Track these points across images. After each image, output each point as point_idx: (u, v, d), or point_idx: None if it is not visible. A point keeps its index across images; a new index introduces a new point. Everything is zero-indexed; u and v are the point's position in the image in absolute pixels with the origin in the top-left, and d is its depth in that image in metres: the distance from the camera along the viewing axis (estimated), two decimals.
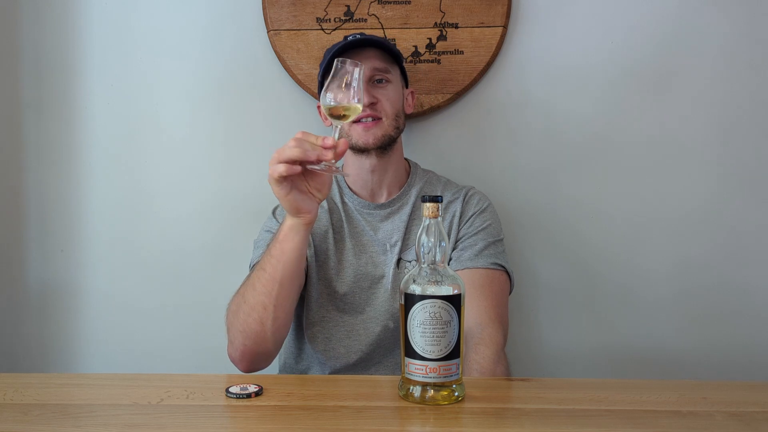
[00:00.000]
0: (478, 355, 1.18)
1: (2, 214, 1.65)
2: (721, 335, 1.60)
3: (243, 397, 0.95)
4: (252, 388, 0.97)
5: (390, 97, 1.36)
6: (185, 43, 1.62)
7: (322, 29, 1.57)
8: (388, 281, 1.34)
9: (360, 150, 1.35)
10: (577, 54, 1.58)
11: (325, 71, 1.26)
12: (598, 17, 1.58)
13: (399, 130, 1.38)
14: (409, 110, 1.46)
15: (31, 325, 1.66)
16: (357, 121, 1.33)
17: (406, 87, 1.46)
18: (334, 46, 1.38)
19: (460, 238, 1.35)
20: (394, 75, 1.39)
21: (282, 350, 1.44)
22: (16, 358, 1.66)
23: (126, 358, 1.65)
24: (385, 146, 1.36)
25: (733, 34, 1.57)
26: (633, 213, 1.60)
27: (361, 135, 1.33)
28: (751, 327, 1.60)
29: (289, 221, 1.13)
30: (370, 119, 1.33)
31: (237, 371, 1.31)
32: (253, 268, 1.23)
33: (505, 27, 1.57)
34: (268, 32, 1.59)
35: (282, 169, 1.05)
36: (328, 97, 1.05)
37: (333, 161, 1.05)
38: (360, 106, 1.06)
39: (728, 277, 1.60)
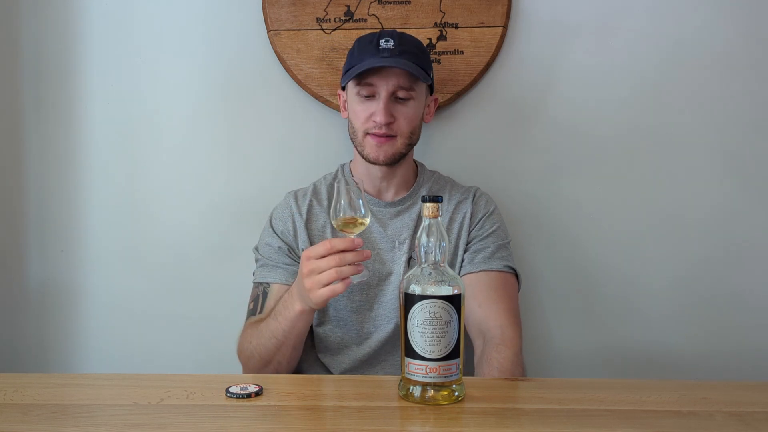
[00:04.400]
0: (500, 355, 1.20)
1: (2, 214, 1.65)
2: (722, 335, 1.60)
3: (243, 397, 0.95)
4: (252, 388, 0.97)
5: (409, 115, 1.33)
6: (185, 43, 1.62)
7: (322, 29, 1.57)
8: (398, 279, 1.35)
9: (369, 161, 1.35)
10: (577, 54, 1.58)
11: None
12: (598, 17, 1.58)
13: (411, 146, 1.37)
14: (429, 119, 1.43)
15: (31, 325, 1.66)
16: (372, 134, 1.33)
17: (432, 93, 1.43)
18: (366, 42, 1.34)
19: (472, 240, 1.36)
20: (419, 90, 1.35)
21: None
22: (16, 358, 1.66)
23: (126, 358, 1.65)
24: (395, 162, 1.36)
25: (734, 35, 1.57)
26: (634, 213, 1.60)
27: (372, 149, 1.33)
28: (751, 327, 1.60)
29: (301, 306, 1.16)
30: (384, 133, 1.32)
31: (237, 371, 1.32)
32: (262, 320, 1.26)
33: (505, 27, 1.57)
34: (268, 32, 1.59)
35: (328, 294, 1.09)
36: (339, 210, 1.10)
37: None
38: (367, 220, 1.11)
39: (728, 276, 1.60)
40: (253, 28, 1.60)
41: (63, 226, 1.64)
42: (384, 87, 1.31)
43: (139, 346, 1.65)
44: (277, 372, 1.24)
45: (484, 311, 1.28)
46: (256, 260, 1.38)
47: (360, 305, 1.35)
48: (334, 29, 1.57)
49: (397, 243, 1.36)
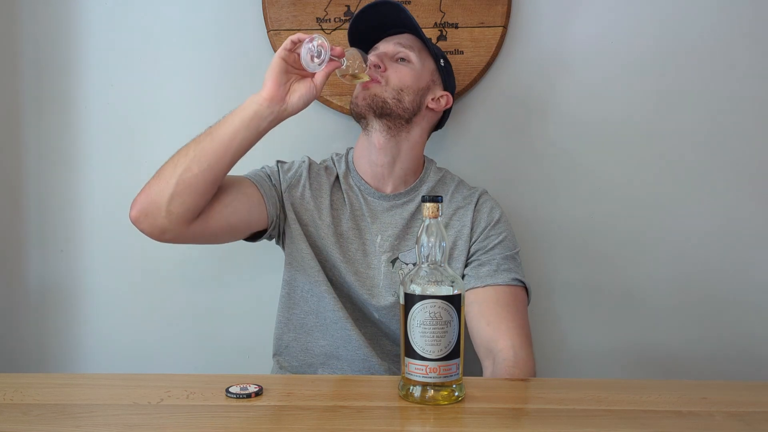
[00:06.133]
0: (507, 361, 1.16)
1: (2, 214, 1.65)
2: (722, 336, 1.60)
3: (243, 397, 0.95)
4: (252, 388, 0.98)
5: (401, 71, 1.32)
6: (185, 43, 1.62)
7: (322, 29, 1.57)
8: (377, 275, 1.32)
9: (356, 115, 1.34)
10: (578, 54, 1.58)
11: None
12: (599, 17, 1.58)
13: (401, 106, 1.31)
14: (434, 106, 1.37)
15: (31, 325, 1.66)
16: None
17: (445, 89, 1.39)
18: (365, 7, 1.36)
19: (475, 252, 1.31)
20: (419, 60, 1.34)
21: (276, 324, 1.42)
22: (16, 358, 1.66)
23: (126, 358, 1.65)
24: (380, 113, 1.30)
25: (735, 34, 1.57)
26: (635, 214, 1.60)
27: (355, 97, 1.33)
28: (751, 327, 1.60)
29: (249, 98, 1.17)
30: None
31: (237, 371, 1.32)
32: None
33: (505, 27, 1.57)
34: (268, 32, 1.59)
35: (296, 36, 1.14)
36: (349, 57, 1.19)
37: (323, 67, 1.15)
38: (363, 75, 1.20)
39: (729, 277, 1.60)
40: (253, 28, 1.60)
41: (63, 226, 1.64)
42: (384, 46, 1.36)
43: (139, 346, 1.65)
44: (168, 181, 1.16)
45: (493, 330, 1.20)
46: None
47: (342, 283, 1.33)
48: (334, 29, 1.57)
49: (379, 238, 1.33)
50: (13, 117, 1.64)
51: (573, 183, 1.60)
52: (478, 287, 1.25)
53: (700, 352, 1.60)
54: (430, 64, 1.37)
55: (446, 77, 1.41)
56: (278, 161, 1.40)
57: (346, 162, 1.41)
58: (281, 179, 1.35)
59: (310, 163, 1.40)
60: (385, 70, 1.31)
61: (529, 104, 1.60)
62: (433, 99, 1.37)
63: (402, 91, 1.31)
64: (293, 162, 1.40)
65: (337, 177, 1.39)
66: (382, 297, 1.32)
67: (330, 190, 1.36)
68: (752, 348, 1.59)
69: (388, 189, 1.37)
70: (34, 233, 1.65)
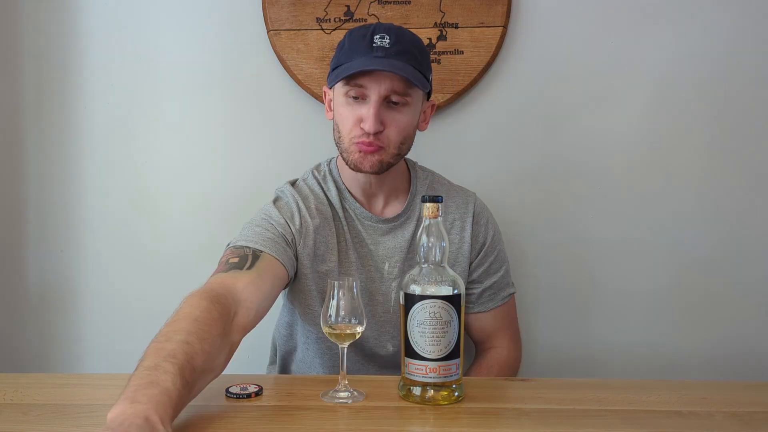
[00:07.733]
0: (501, 358, 1.35)
1: (2, 214, 1.65)
2: (721, 336, 1.60)
3: (243, 397, 0.96)
4: (252, 388, 0.98)
5: (401, 123, 1.19)
6: (185, 43, 1.62)
7: (322, 29, 1.57)
8: (388, 302, 1.28)
9: (352, 169, 1.24)
10: (577, 54, 1.58)
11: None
12: (598, 17, 1.58)
13: (400, 156, 1.23)
14: (424, 126, 1.29)
15: (31, 325, 1.66)
16: (359, 142, 1.19)
17: (428, 98, 1.29)
18: (358, 37, 1.18)
19: (474, 270, 1.32)
20: (415, 96, 1.20)
21: (277, 336, 1.43)
22: (16, 358, 1.66)
23: (126, 358, 1.63)
24: (382, 172, 1.23)
25: (734, 34, 1.57)
26: (633, 213, 1.60)
27: (356, 158, 1.20)
28: (751, 327, 1.60)
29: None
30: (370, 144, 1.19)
31: (237, 371, 1.31)
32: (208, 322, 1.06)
33: (505, 27, 1.57)
34: (268, 32, 1.59)
35: None
36: (330, 316, 0.97)
37: None
38: (360, 329, 0.97)
39: (728, 277, 1.59)
40: (253, 28, 1.60)
41: (63, 226, 1.64)
42: (376, 90, 1.16)
43: (139, 346, 1.64)
44: None
45: (491, 338, 1.36)
46: (244, 229, 1.24)
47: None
48: (334, 29, 1.57)
49: (387, 266, 1.28)
50: (13, 117, 1.64)
51: (570, 182, 1.60)
52: (483, 312, 1.35)
53: (700, 352, 1.60)
54: (420, 92, 1.23)
55: (431, 85, 1.28)
56: (275, 204, 1.27)
57: (334, 180, 1.30)
58: (294, 234, 1.23)
59: (303, 199, 1.27)
60: (384, 130, 1.18)
61: (529, 104, 1.60)
62: (423, 120, 1.28)
63: (402, 144, 1.21)
64: (287, 204, 1.27)
65: (330, 204, 1.29)
66: (397, 323, 1.25)
67: (333, 224, 1.27)
68: (752, 348, 1.60)
69: (380, 205, 1.30)
70: (34, 233, 1.65)
